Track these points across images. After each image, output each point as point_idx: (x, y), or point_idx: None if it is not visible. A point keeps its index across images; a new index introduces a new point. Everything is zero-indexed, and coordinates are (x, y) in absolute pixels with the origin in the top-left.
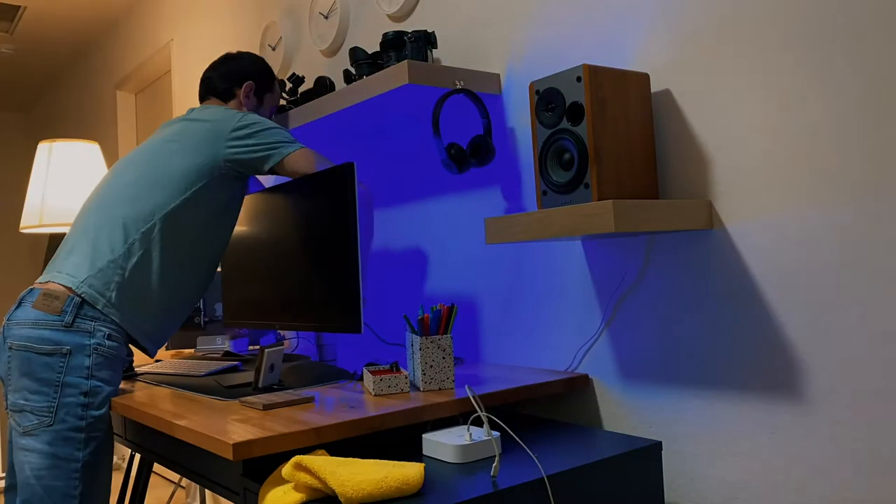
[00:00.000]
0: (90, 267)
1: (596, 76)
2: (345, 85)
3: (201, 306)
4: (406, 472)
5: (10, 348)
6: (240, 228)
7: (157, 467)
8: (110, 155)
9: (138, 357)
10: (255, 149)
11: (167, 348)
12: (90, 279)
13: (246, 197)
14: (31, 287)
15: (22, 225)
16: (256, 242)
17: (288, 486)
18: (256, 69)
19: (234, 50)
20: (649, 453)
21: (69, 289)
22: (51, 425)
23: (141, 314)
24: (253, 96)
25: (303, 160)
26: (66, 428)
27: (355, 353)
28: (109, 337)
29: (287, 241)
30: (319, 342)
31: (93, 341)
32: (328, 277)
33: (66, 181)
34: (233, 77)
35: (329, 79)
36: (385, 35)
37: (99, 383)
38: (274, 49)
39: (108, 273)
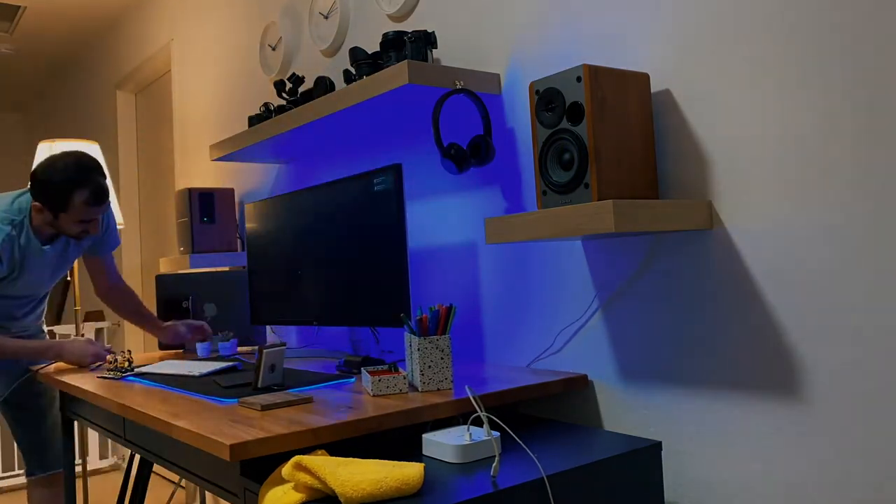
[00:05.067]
0: None
1: (596, 76)
2: (345, 85)
3: (189, 306)
4: (406, 472)
5: None
6: (274, 228)
7: (156, 467)
8: (110, 155)
9: (138, 357)
10: None
11: (160, 347)
12: None
13: (280, 196)
14: None
15: None
16: (292, 242)
17: (288, 486)
18: (49, 194)
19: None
20: (649, 453)
21: None
22: None
23: None
24: (47, 212)
25: None
26: None
27: (386, 348)
28: None
29: (329, 240)
30: (353, 337)
31: None
32: (377, 274)
33: None
34: (34, 190)
35: (329, 79)
36: (385, 35)
37: None
38: (274, 49)
39: None
